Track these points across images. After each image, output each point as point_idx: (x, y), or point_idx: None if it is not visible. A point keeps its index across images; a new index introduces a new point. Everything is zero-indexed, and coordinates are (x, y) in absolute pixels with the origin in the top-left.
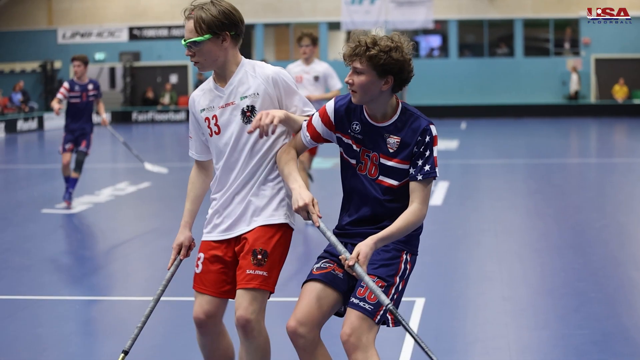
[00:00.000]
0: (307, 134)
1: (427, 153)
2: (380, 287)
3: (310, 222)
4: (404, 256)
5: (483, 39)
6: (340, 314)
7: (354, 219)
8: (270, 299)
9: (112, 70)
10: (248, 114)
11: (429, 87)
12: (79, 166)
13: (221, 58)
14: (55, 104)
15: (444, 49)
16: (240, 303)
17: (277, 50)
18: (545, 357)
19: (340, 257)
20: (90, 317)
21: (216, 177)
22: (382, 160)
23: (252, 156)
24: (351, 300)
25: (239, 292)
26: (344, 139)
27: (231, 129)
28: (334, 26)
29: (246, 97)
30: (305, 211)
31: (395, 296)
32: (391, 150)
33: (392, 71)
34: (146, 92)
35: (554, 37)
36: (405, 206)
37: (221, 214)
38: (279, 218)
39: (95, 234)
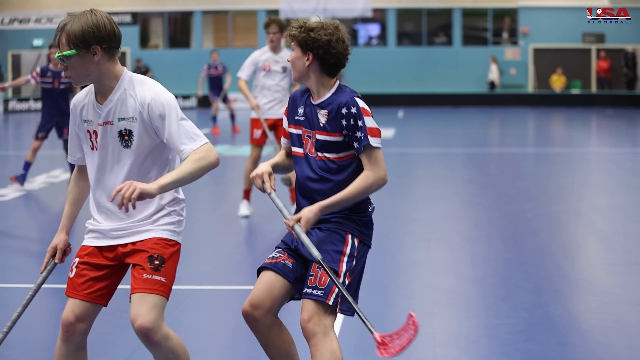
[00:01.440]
0: (286, 140)
1: (360, 123)
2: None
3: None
4: (349, 238)
5: (421, 27)
6: (297, 299)
7: (308, 202)
8: (245, 287)
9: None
10: (126, 137)
11: (367, 75)
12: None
13: (94, 73)
14: (5, 84)
15: (382, 38)
16: (138, 311)
17: (215, 37)
18: (469, 346)
19: (284, 221)
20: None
21: (98, 186)
22: (318, 136)
23: (136, 178)
24: (304, 290)
25: (135, 298)
26: (289, 130)
27: (110, 150)
28: (273, 13)
29: (124, 119)
30: (260, 179)
31: (346, 280)
32: (321, 125)
33: (309, 47)
34: None
35: (492, 26)
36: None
37: (104, 224)
38: (173, 234)
39: (28, 222)
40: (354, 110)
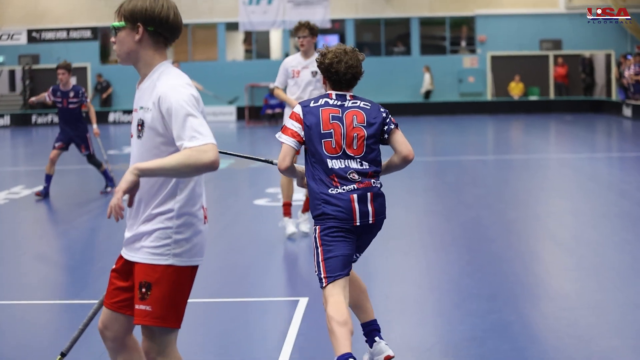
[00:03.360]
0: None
1: None
2: None
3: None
4: (314, 233)
5: (380, 37)
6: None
7: None
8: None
9: (12, 73)
10: (139, 127)
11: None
12: (95, 165)
13: (134, 54)
14: (33, 98)
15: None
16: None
17: (175, 51)
18: (423, 354)
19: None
20: None
21: None
22: None
23: (154, 180)
24: None
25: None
26: None
27: (133, 139)
28: (232, 27)
29: (142, 108)
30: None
31: (316, 263)
32: None
33: (320, 70)
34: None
35: (450, 35)
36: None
37: (126, 228)
38: (161, 257)
39: None
40: None
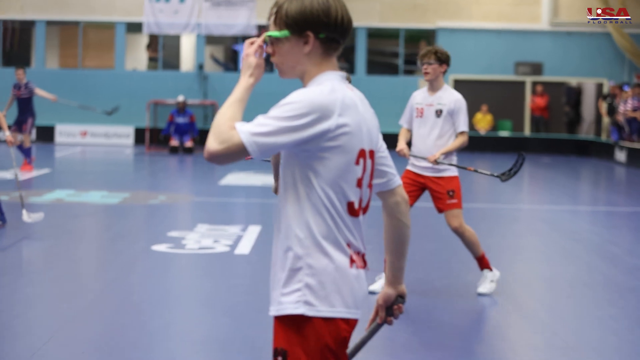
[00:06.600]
0: None
1: None
2: None
3: None
4: None
5: None
6: None
7: None
8: None
9: None
10: None
11: (256, 105)
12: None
13: (300, 66)
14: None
15: (270, 61)
16: None
17: (62, 54)
18: None
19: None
20: None
21: None
22: None
23: (281, 204)
24: None
25: None
26: None
27: None
28: (134, 28)
29: None
30: None
31: None
32: None
33: None
34: None
35: (404, 51)
36: None
37: None
38: (291, 306)
39: None
40: None
